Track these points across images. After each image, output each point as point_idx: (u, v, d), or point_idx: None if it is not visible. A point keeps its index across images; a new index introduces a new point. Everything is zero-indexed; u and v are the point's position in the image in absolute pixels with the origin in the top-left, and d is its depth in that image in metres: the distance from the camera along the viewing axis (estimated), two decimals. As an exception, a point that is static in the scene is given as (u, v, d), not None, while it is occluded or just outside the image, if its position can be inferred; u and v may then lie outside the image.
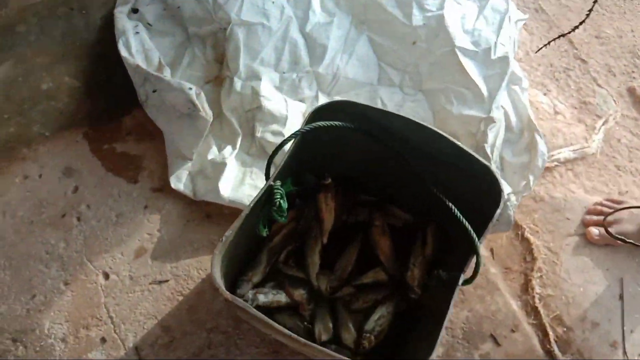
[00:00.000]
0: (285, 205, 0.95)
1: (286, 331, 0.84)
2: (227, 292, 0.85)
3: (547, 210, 1.55)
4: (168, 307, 1.35)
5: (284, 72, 1.51)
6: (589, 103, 1.76)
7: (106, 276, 1.37)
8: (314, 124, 0.95)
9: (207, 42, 1.55)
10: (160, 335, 1.32)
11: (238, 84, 1.45)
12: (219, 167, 1.39)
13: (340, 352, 1.20)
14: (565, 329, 1.41)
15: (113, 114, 1.54)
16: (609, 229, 1.45)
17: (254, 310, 0.85)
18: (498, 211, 0.96)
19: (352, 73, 1.52)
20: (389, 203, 1.37)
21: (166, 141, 1.46)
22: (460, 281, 0.93)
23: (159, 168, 1.48)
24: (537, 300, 1.43)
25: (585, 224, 1.52)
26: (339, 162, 1.31)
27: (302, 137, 1.01)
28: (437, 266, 1.24)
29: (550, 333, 1.40)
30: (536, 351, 1.38)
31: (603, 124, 1.71)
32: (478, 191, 1.05)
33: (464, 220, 0.96)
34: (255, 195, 0.97)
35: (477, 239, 0.94)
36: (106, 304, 1.34)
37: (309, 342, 0.85)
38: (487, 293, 1.43)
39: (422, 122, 1.00)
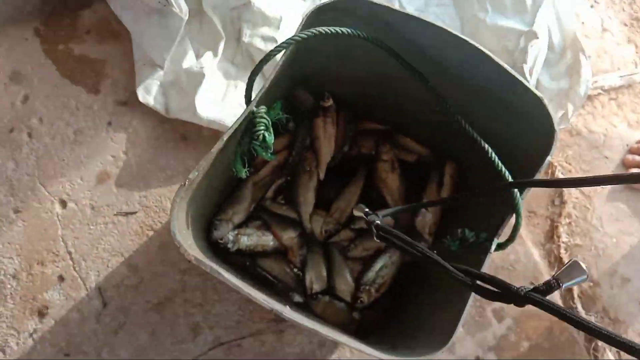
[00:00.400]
0: (271, 138, 0.72)
1: (266, 303, 0.64)
2: (190, 253, 0.65)
3: (584, 147, 1.33)
4: (136, 244, 1.15)
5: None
6: (642, 19, 1.47)
7: (63, 204, 1.16)
8: (312, 30, 0.70)
9: None
10: (126, 275, 1.14)
11: (223, -26, 1.16)
12: (197, 77, 1.14)
13: (333, 307, 1.04)
14: (591, 284, 1.24)
15: (69, 7, 1.25)
16: None
17: (227, 275, 0.65)
18: (548, 158, 0.73)
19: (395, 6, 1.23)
20: (401, 134, 1.14)
21: (133, 43, 1.20)
22: (493, 247, 0.72)
23: (124, 76, 1.22)
24: (562, 250, 1.25)
25: (627, 165, 1.30)
26: (343, 81, 1.06)
27: (297, 47, 0.75)
28: (455, 221, 1.03)
29: (574, 288, 1.22)
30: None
31: (657, 46, 1.44)
32: (520, 129, 0.82)
33: (501, 165, 0.74)
34: (237, 118, 0.73)
35: (518, 195, 0.72)
36: (64, 237, 1.15)
37: (287, 313, 0.65)
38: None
39: (460, 35, 0.75)
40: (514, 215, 0.73)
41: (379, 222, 0.72)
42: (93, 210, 1.16)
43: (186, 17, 1.12)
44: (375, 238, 0.71)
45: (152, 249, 1.15)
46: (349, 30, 0.72)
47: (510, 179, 0.72)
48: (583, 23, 1.41)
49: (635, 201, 1.29)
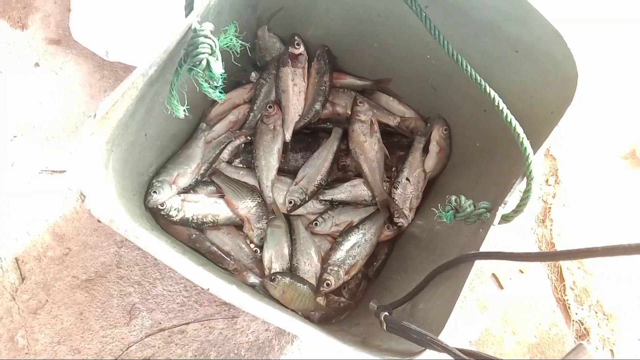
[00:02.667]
0: (218, 67, 0.55)
1: (199, 280, 0.48)
2: (99, 209, 0.47)
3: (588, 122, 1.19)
4: (63, 209, 0.97)
5: None
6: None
7: (-23, 159, 0.97)
8: None
9: None
10: (50, 245, 0.95)
11: None
12: (141, 15, 0.95)
13: (294, 290, 0.87)
14: (586, 273, 1.10)
15: None
16: None
17: (147, 242, 0.48)
18: (568, 109, 0.58)
19: None
20: (381, 91, 0.98)
21: (70, -29, 1.00)
22: (497, 218, 0.56)
23: (58, 10, 1.03)
24: (555, 235, 1.11)
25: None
26: (316, 22, 0.89)
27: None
28: (441, 192, 0.88)
29: (567, 277, 1.09)
30: (547, 298, 1.08)
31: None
32: (533, 73, 0.66)
33: (512, 117, 0.58)
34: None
35: (531, 152, 0.56)
36: (-25, 196, 0.95)
37: (229, 295, 0.49)
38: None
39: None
40: (525, 180, 0.57)
41: (387, 313, 0.60)
42: (12, 166, 0.97)
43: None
44: (385, 329, 0.59)
45: (82, 216, 0.97)
46: None
47: (519, 130, 0.56)
48: None
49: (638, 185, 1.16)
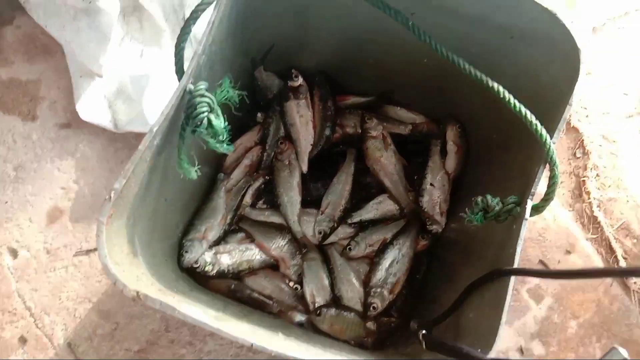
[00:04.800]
0: (219, 122, 0.55)
1: (241, 338, 0.47)
2: (130, 288, 0.48)
3: (597, 86, 1.16)
4: (104, 285, 0.98)
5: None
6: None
7: (14, 253, 0.99)
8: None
9: None
10: (98, 323, 0.96)
11: (153, -42, 1.00)
12: (142, 81, 0.98)
13: (342, 320, 0.86)
14: (635, 240, 1.06)
15: (-14, 27, 1.09)
16: None
17: (185, 310, 0.48)
18: (577, 85, 0.57)
19: None
20: (387, 103, 0.97)
21: (66, 55, 1.04)
22: (528, 211, 0.55)
23: (62, 95, 1.06)
24: (595, 208, 1.07)
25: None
26: (310, 52, 0.89)
27: (239, 7, 0.59)
28: (467, 191, 0.87)
29: (617, 248, 1.05)
30: (601, 274, 1.04)
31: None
32: (534, 58, 0.65)
33: (521, 106, 0.57)
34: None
35: (548, 137, 0.55)
36: (19, 291, 0.98)
37: (273, 346, 0.48)
38: (531, 207, 1.07)
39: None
40: (548, 167, 0.55)
41: (424, 332, 0.59)
42: (49, 254, 0.99)
43: (117, 12, 0.96)
44: (424, 348, 0.58)
45: (123, 288, 0.98)
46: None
47: (530, 117, 0.55)
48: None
49: (668, 137, 1.12)
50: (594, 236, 1.07)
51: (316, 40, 0.84)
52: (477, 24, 0.66)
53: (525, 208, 0.55)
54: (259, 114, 0.97)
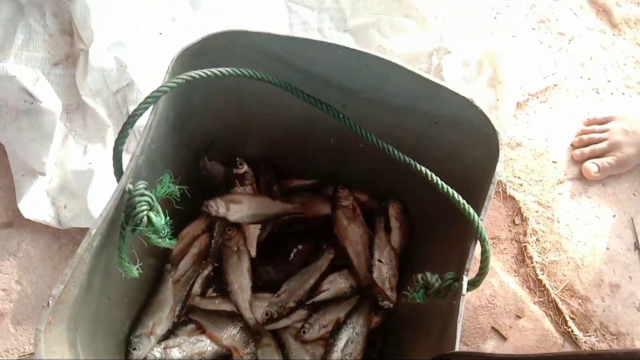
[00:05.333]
0: (159, 219, 0.56)
1: None
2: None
3: (528, 157, 1.23)
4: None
5: (160, 33, 1.10)
6: (547, 21, 1.44)
7: (-51, 363, 0.94)
8: (180, 77, 0.56)
9: (47, 10, 1.11)
10: None
11: (96, 57, 1.03)
12: (86, 176, 0.98)
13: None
14: (580, 300, 1.10)
15: None
16: (609, 160, 1.17)
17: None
18: (499, 165, 0.61)
19: (254, 21, 1.13)
20: (331, 184, 1.01)
21: (8, 155, 1.03)
22: (465, 287, 0.57)
23: (4, 194, 1.04)
24: (539, 272, 1.11)
25: (578, 160, 1.22)
26: (252, 140, 0.93)
27: (176, 104, 0.61)
28: (413, 265, 0.89)
29: (564, 309, 1.09)
30: (552, 336, 1.06)
31: (569, 42, 1.41)
32: (458, 140, 0.70)
33: (448, 187, 0.61)
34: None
35: (475, 215, 0.58)
36: (-47, 404, 0.91)
37: None
38: (478, 275, 1.09)
39: (362, 49, 0.63)
40: (479, 243, 0.58)
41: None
42: (-12, 361, 0.94)
43: (59, 111, 0.97)
44: None
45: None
46: (226, 71, 0.59)
47: (457, 197, 0.58)
48: (492, 34, 1.36)
49: (598, 198, 1.19)
50: (541, 299, 1.10)
51: (258, 130, 0.88)
52: (404, 113, 0.70)
53: (462, 284, 0.57)
54: (205, 201, 0.98)
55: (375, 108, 0.71)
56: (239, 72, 0.60)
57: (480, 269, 0.58)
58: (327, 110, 0.66)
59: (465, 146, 0.69)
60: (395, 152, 0.63)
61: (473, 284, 0.59)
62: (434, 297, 0.62)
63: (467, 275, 0.58)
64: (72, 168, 1.00)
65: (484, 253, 0.58)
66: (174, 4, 1.11)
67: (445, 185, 0.59)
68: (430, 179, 0.61)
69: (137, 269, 0.58)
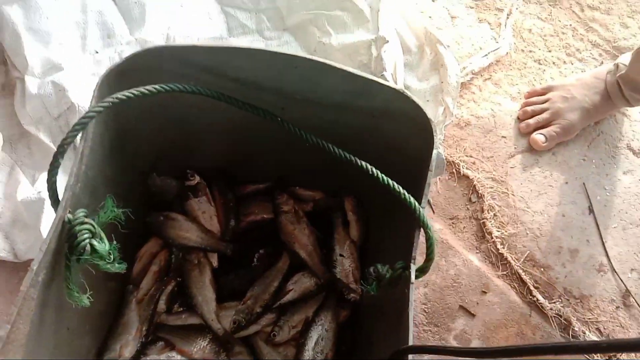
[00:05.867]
0: (104, 246, 0.56)
1: None
2: None
3: (478, 135, 1.26)
4: None
5: (96, 52, 1.08)
6: (484, -2, 1.47)
7: None
8: (106, 100, 0.55)
9: (-25, 40, 1.08)
10: None
11: (33, 83, 1.01)
12: (36, 205, 0.96)
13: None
14: (542, 269, 1.13)
15: None
16: (554, 128, 1.20)
17: None
18: (434, 152, 0.62)
19: (191, 29, 1.12)
20: (286, 185, 1.01)
21: (-47, 194, 1.00)
22: (413, 275, 0.58)
23: (-47, 234, 1.01)
24: (499, 246, 1.14)
25: (525, 133, 1.25)
26: (202, 151, 0.92)
27: (108, 125, 0.61)
28: (369, 257, 0.90)
29: (527, 280, 1.12)
30: (519, 307, 1.09)
31: (507, 17, 1.43)
32: (396, 132, 0.71)
33: (388, 179, 0.62)
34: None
35: (416, 203, 0.59)
36: None
37: None
38: (440, 257, 1.12)
39: (291, 53, 0.64)
40: (422, 231, 0.60)
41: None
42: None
43: (1, 143, 0.95)
44: None
45: None
46: (154, 88, 0.58)
47: (398, 188, 0.59)
48: (431, 17, 1.38)
49: (549, 167, 1.22)
50: (504, 272, 1.13)
51: (204, 141, 0.87)
52: (340, 110, 0.71)
53: (410, 272, 0.58)
54: (161, 217, 0.97)
55: (313, 108, 0.72)
56: (167, 88, 0.60)
57: (427, 254, 0.59)
58: (264, 115, 0.66)
59: (404, 137, 0.70)
60: (335, 149, 0.64)
61: (422, 271, 0.60)
62: (388, 288, 0.63)
63: (414, 264, 0.59)
64: (22, 199, 0.98)
65: (429, 239, 0.59)
66: (105, 22, 1.09)
67: (384, 178, 0.60)
68: (370, 172, 0.62)
69: (88, 297, 0.58)
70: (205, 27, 1.15)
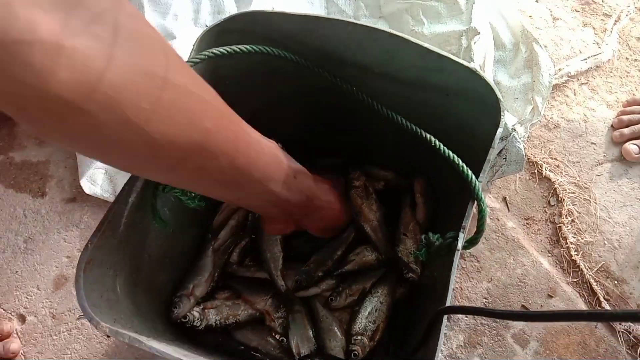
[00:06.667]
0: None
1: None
2: (103, 325, 0.54)
3: (566, 138, 1.23)
4: (104, 346, 1.04)
5: (206, 26, 1.19)
6: (592, 2, 1.42)
7: (22, 319, 1.07)
8: (207, 52, 0.63)
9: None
10: (97, 383, 1.02)
11: (148, 49, 1.13)
12: (138, 156, 1.07)
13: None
14: (616, 282, 1.09)
15: (4, 117, 1.22)
16: None
17: (154, 344, 0.54)
18: (499, 131, 0.64)
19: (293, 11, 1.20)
20: (361, 162, 1.05)
21: (73, 138, 1.15)
22: (461, 243, 0.61)
23: (69, 173, 1.17)
24: (573, 252, 1.11)
25: (618, 142, 1.20)
26: (281, 120, 0.99)
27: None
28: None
29: (598, 290, 1.08)
30: (585, 317, 1.05)
31: (615, 24, 1.38)
32: (467, 111, 0.73)
33: (449, 151, 0.64)
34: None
35: (473, 176, 0.62)
36: (26, 354, 1.04)
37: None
38: (509, 254, 1.11)
39: (371, 25, 0.68)
40: (476, 202, 0.62)
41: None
42: (54, 319, 1.06)
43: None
44: None
45: (124, 346, 1.03)
46: (245, 48, 0.66)
47: (457, 160, 0.62)
48: (531, 16, 1.36)
49: (637, 177, 1.17)
50: (575, 280, 1.10)
51: (288, 111, 0.94)
52: (415, 86, 0.74)
53: (458, 240, 0.61)
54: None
55: (388, 83, 0.75)
56: (257, 49, 0.67)
57: (478, 226, 0.62)
58: (342, 85, 0.71)
59: (474, 117, 0.72)
60: (402, 119, 0.67)
61: (471, 242, 0.62)
62: (437, 257, 0.66)
63: (463, 232, 0.61)
64: (127, 148, 1.11)
65: (480, 212, 0.61)
66: (219, 3, 1.20)
67: (445, 149, 0.63)
68: (433, 144, 0.65)
69: (167, 225, 0.66)
70: (306, 10, 1.22)
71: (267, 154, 0.62)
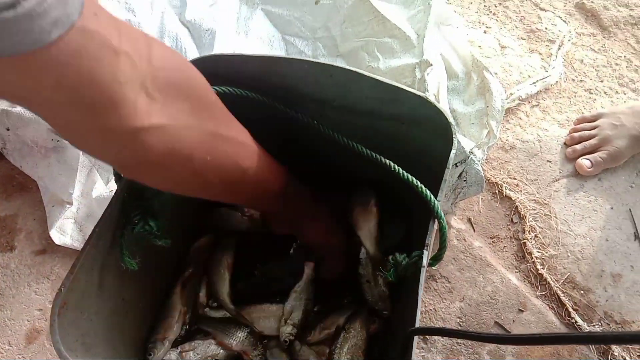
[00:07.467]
0: (152, 224, 0.65)
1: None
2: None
3: (522, 158, 1.28)
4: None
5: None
6: (537, 30, 1.51)
7: (-6, 379, 1.04)
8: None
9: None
10: None
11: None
12: (108, 202, 1.08)
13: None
14: (582, 292, 1.13)
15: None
16: (601, 154, 1.21)
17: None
18: (452, 152, 0.68)
19: (254, 53, 1.24)
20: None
21: (41, 190, 1.16)
22: (426, 260, 0.63)
23: (37, 225, 1.16)
24: (539, 266, 1.15)
25: (571, 158, 1.26)
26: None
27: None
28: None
29: (566, 301, 1.12)
30: (556, 328, 1.09)
31: (559, 48, 1.47)
32: (424, 138, 0.77)
33: (407, 174, 0.68)
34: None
35: (432, 195, 0.65)
36: (-1, 415, 1.01)
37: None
38: (478, 273, 1.14)
39: (326, 62, 0.72)
40: (436, 220, 0.65)
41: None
42: (28, 373, 1.04)
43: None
44: None
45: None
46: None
47: (415, 182, 0.65)
48: (480, 47, 1.44)
49: (594, 192, 1.23)
50: (543, 293, 1.13)
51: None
52: (372, 116, 0.78)
53: (423, 258, 0.64)
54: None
55: (347, 114, 0.79)
56: (221, 90, 0.70)
57: (440, 243, 0.65)
58: (302, 118, 0.75)
59: (430, 140, 0.75)
60: (362, 148, 0.71)
61: (435, 259, 0.65)
62: (404, 275, 0.68)
63: (427, 250, 0.64)
64: (96, 196, 1.11)
65: (441, 229, 0.64)
66: (180, 46, 1.23)
67: (403, 172, 0.67)
68: (392, 169, 0.68)
69: (136, 263, 0.67)
70: (266, 53, 1.27)
71: (282, 173, 0.78)
